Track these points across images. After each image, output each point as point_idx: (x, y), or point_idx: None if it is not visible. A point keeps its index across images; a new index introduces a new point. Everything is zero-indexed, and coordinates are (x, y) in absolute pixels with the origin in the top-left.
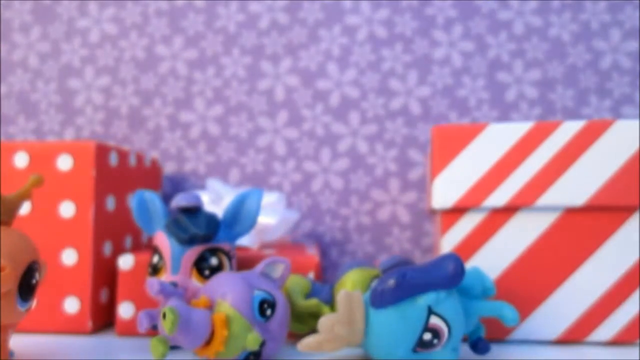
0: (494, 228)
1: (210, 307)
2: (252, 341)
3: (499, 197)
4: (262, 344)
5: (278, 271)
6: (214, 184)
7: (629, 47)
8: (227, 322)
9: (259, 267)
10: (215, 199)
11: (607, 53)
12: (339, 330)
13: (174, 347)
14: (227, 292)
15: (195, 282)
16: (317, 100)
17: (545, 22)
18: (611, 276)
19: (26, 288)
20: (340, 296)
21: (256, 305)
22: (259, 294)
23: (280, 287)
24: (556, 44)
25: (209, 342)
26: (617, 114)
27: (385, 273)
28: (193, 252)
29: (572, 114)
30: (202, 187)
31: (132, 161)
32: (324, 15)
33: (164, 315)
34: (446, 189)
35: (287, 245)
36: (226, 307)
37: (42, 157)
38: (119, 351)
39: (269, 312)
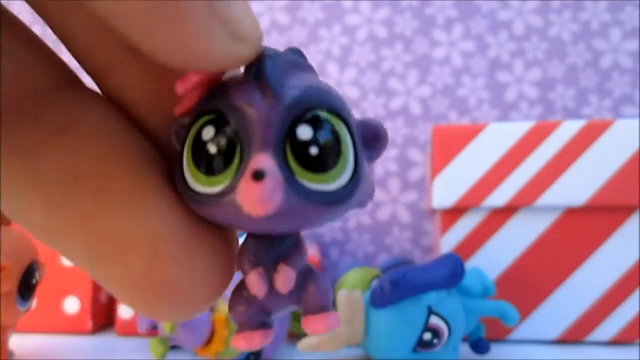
0: (494, 228)
1: (211, 307)
2: None
3: (499, 196)
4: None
5: None
6: None
7: (629, 47)
8: (227, 322)
9: None
10: None
11: (607, 53)
12: (339, 330)
13: (174, 347)
14: (226, 292)
15: None
16: None
17: (546, 21)
18: (611, 276)
19: (26, 288)
20: (340, 296)
21: None
22: None
23: None
24: (556, 44)
25: (209, 341)
26: (617, 114)
27: (385, 273)
28: None
29: (572, 114)
30: None
31: None
32: (324, 15)
33: None
34: (446, 189)
35: None
36: (226, 307)
37: None
38: (119, 351)
39: None
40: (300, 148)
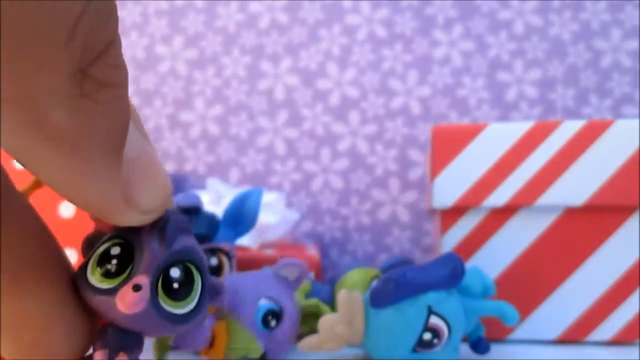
0: (494, 228)
1: (215, 311)
2: (253, 352)
3: (499, 196)
4: (264, 354)
5: (294, 274)
6: (214, 184)
7: (629, 47)
8: (228, 331)
9: (274, 267)
10: (215, 199)
11: (607, 52)
12: (339, 330)
13: (174, 348)
14: (231, 300)
15: None
16: (317, 100)
17: (546, 21)
18: (611, 276)
19: None
20: (340, 296)
21: (260, 316)
22: (264, 305)
23: (295, 290)
24: (556, 44)
25: (210, 346)
26: (617, 114)
27: (385, 273)
28: None
29: (572, 114)
30: (202, 187)
31: None
32: (324, 15)
33: None
34: (446, 189)
35: (287, 245)
36: (229, 316)
37: None
38: None
39: (273, 323)
40: (168, 281)
